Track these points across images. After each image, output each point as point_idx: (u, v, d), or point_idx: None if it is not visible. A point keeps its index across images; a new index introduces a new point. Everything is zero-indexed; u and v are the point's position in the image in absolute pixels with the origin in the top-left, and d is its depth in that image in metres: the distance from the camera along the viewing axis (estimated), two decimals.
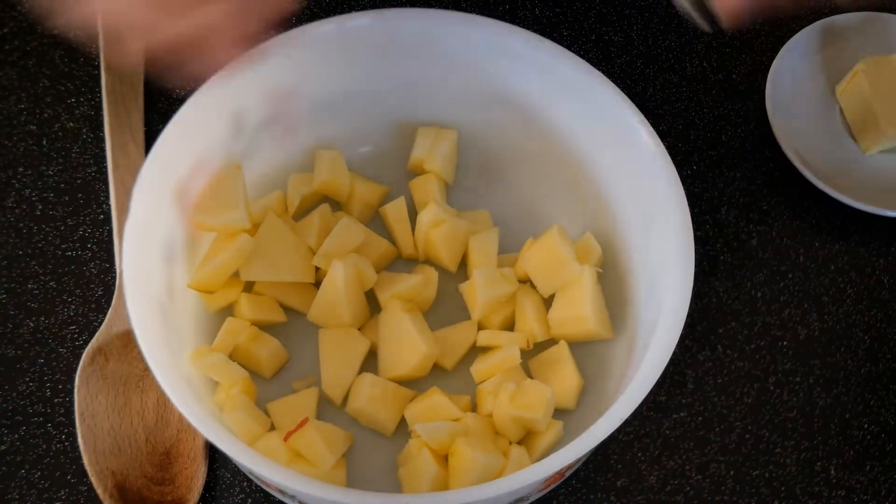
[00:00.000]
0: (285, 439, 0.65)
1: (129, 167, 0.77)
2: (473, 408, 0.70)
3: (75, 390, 0.70)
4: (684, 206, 0.66)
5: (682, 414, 0.73)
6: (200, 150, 0.68)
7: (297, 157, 0.76)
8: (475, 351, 0.72)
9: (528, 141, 0.76)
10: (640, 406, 0.61)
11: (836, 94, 0.85)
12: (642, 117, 0.69)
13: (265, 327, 0.71)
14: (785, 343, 0.76)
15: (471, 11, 0.87)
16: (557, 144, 0.75)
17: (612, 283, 0.73)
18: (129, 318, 0.60)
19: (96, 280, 0.75)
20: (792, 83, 0.84)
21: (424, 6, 0.88)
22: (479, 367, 0.70)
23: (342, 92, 0.74)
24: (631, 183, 0.71)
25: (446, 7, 0.88)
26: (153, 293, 0.65)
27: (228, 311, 0.72)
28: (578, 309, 0.70)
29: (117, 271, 0.75)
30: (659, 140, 0.68)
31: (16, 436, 0.70)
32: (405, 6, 0.88)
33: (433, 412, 0.68)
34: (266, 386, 0.71)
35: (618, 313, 0.72)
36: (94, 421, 0.69)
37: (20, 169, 0.79)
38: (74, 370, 0.71)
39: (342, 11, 0.81)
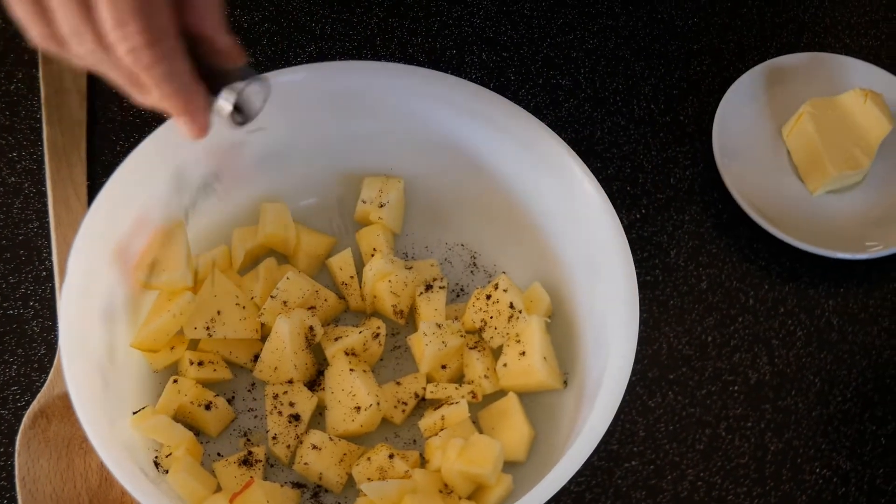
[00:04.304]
0: (231, 501, 0.64)
1: (72, 222, 0.76)
2: (422, 463, 0.69)
3: (16, 454, 0.68)
4: (627, 254, 0.66)
5: (633, 462, 0.73)
6: (142, 205, 0.68)
7: (241, 211, 0.75)
8: (424, 403, 0.71)
9: (474, 189, 0.76)
10: (591, 456, 0.60)
11: (782, 136, 0.85)
12: (584, 165, 0.69)
13: (210, 384, 0.70)
14: (736, 388, 0.76)
15: (418, 58, 0.88)
16: (504, 193, 0.74)
17: (560, 331, 0.72)
18: (66, 384, 0.59)
19: (38, 339, 0.74)
20: (738, 125, 0.84)
21: (374, 54, 0.88)
22: (427, 422, 0.69)
23: (285, 144, 0.74)
24: (575, 231, 0.71)
25: (393, 53, 0.88)
26: (93, 355, 0.64)
27: (173, 368, 0.71)
28: (527, 359, 0.69)
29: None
30: (601, 188, 0.68)
31: None
32: (353, 57, 0.88)
33: (381, 470, 0.67)
34: (212, 444, 0.70)
35: (567, 362, 0.71)
36: (36, 486, 0.68)
37: None
38: (15, 433, 0.70)
39: (288, 65, 0.81)
